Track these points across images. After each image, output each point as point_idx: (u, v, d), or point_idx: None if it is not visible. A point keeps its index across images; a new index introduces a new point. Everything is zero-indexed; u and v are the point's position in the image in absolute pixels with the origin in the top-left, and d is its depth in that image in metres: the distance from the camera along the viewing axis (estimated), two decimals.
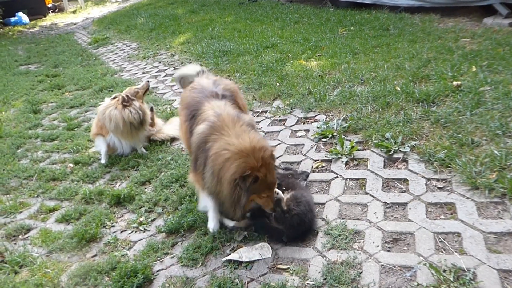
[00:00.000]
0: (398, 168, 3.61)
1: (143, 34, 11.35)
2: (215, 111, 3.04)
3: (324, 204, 3.36)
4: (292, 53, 6.99)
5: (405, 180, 3.43)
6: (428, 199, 3.17)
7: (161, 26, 11.53)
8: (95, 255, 3.29)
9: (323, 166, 3.88)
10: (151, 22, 12.25)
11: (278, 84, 5.80)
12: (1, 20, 17.34)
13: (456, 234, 2.81)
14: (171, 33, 10.61)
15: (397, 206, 3.18)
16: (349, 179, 3.62)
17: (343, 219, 3.16)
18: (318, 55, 6.71)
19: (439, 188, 3.27)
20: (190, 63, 7.93)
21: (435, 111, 4.18)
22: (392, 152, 3.78)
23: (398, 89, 4.77)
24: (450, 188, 3.23)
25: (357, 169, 3.74)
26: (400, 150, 3.77)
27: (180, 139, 3.87)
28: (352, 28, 7.93)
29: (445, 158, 3.50)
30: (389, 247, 2.82)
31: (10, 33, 16.46)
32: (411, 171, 3.52)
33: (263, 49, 7.54)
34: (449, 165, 3.44)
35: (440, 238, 2.80)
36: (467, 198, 3.09)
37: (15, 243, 3.57)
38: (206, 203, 3.24)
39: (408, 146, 3.78)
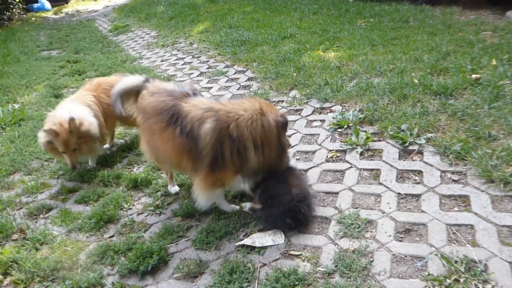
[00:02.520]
0: (413, 160, 3.61)
1: (163, 22, 11.43)
2: (205, 105, 3.02)
3: (338, 193, 3.39)
4: (310, 44, 6.97)
5: (419, 172, 3.43)
6: (442, 191, 3.17)
7: (181, 15, 11.58)
8: (112, 236, 3.38)
9: (337, 156, 3.90)
10: (171, 11, 12.31)
11: (295, 74, 5.81)
12: (24, 6, 17.63)
13: (469, 226, 2.81)
14: (190, 22, 10.65)
15: (410, 197, 3.19)
16: (364, 169, 3.63)
17: (356, 208, 3.18)
18: (336, 46, 6.68)
19: (453, 180, 3.27)
20: (208, 51, 7.99)
21: (453, 104, 4.15)
22: (407, 144, 3.78)
23: (416, 81, 4.74)
24: (465, 181, 3.23)
25: (371, 159, 3.75)
26: (415, 142, 3.77)
27: (156, 149, 3.29)
28: (371, 19, 7.86)
29: (461, 151, 3.49)
30: (401, 237, 2.85)
31: (32, 18, 16.73)
32: (426, 163, 3.52)
33: (281, 40, 7.53)
34: (465, 158, 3.43)
35: (453, 230, 2.81)
36: (482, 191, 3.08)
37: (36, 222, 3.69)
38: (215, 199, 3.33)
39: (424, 138, 3.77)
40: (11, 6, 16.28)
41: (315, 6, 9.81)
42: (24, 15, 17.29)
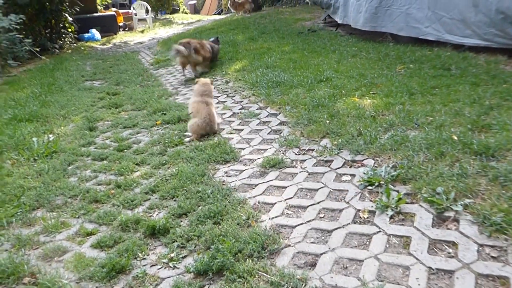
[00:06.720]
0: (448, 229, 3.31)
1: None
2: None
3: (363, 261, 3.13)
4: (346, 89, 6.81)
5: (454, 244, 3.14)
6: (479, 269, 2.86)
7: (220, 52, 11.74)
8: None
9: (366, 218, 3.66)
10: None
11: (328, 121, 5.64)
12: (76, 35, 18.52)
13: None
14: (228, 59, 10.77)
15: (442, 273, 2.90)
16: (393, 235, 3.37)
17: (381, 281, 2.92)
18: (373, 93, 6.48)
19: (492, 257, 2.96)
20: (243, 91, 7.97)
21: (494, 167, 3.84)
22: (442, 209, 3.49)
23: (455, 138, 4.46)
24: (505, 259, 2.91)
25: (402, 224, 3.48)
26: (451, 208, 3.47)
27: None
28: (411, 65, 7.64)
29: (502, 222, 3.17)
30: None
31: (82, 48, 17.49)
32: (462, 233, 3.22)
33: (316, 83, 7.41)
34: (506, 231, 3.11)
35: None
36: None
37: (50, 264, 3.63)
38: None
39: (461, 204, 3.47)
40: (63, 35, 17.15)
41: (354, 48, 9.70)
42: (75, 44, 18.11)
